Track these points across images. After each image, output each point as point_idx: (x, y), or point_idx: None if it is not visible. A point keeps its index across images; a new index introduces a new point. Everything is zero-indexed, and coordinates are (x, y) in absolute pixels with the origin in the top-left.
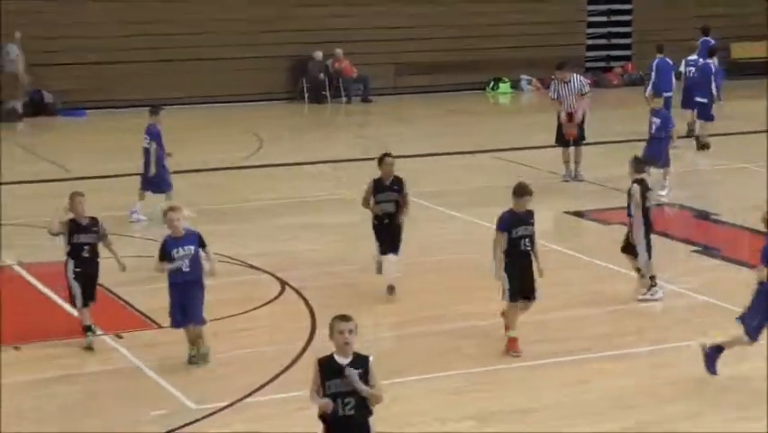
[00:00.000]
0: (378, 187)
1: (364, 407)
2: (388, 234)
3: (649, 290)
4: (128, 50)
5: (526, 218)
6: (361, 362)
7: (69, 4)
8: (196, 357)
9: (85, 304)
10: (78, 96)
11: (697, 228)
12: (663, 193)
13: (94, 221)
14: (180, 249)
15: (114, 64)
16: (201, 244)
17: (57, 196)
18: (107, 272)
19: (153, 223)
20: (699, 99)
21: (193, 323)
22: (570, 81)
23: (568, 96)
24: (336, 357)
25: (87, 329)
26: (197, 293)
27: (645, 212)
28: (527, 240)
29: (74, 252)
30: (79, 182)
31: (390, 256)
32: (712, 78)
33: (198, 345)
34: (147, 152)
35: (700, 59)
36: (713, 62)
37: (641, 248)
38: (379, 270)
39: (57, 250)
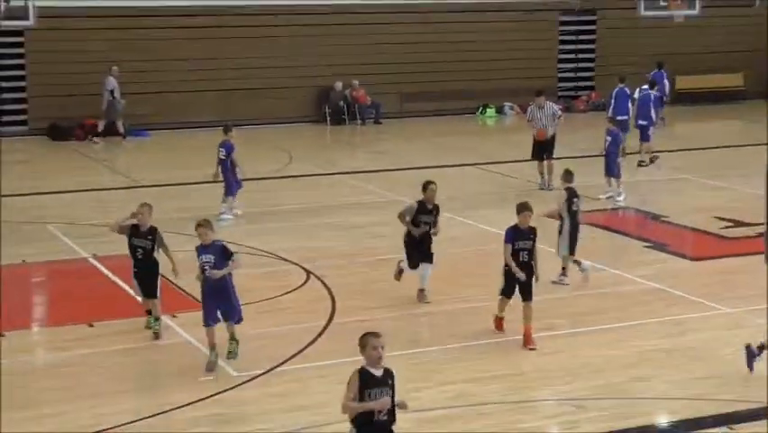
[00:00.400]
0: (420, 209)
1: (393, 414)
2: (421, 250)
3: (561, 275)
4: (186, 81)
5: (527, 234)
6: (390, 374)
7: (139, 47)
8: (232, 353)
9: (144, 296)
10: (144, 119)
11: (649, 228)
12: (620, 199)
13: (152, 230)
14: (203, 256)
15: (176, 93)
16: (225, 253)
17: (123, 201)
18: (167, 262)
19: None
20: (640, 122)
21: (227, 321)
22: (544, 107)
23: (541, 118)
24: (370, 369)
25: (148, 313)
26: (223, 295)
27: (573, 214)
28: (525, 253)
29: (132, 253)
30: (143, 189)
31: (425, 265)
32: (651, 105)
33: (231, 339)
34: (223, 162)
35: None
36: (652, 92)
37: (562, 241)
38: (398, 276)
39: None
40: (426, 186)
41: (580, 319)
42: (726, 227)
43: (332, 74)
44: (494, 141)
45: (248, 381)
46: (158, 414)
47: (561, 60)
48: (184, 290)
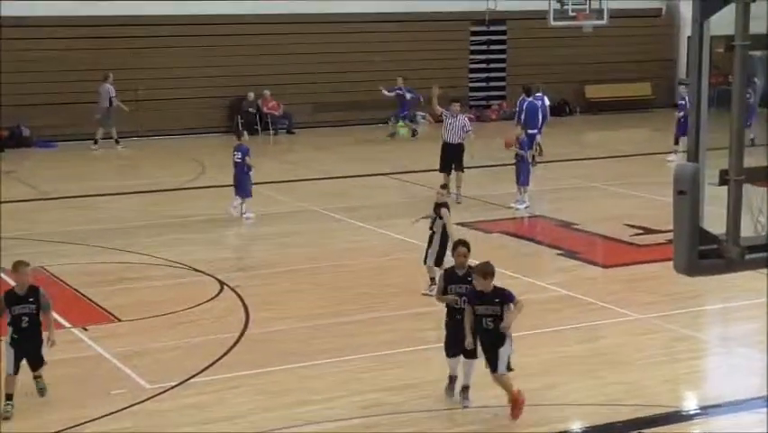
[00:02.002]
0: (450, 277)
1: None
2: (461, 333)
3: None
4: (95, 92)
5: (490, 298)
6: (469, 274)
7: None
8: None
9: (32, 368)
10: (51, 130)
11: (560, 236)
12: (521, 207)
13: (32, 290)
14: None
15: (84, 104)
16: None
17: (31, 211)
18: (76, 274)
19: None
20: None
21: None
22: (457, 117)
23: (452, 127)
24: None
25: (8, 398)
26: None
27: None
28: (489, 319)
29: (13, 323)
30: (51, 201)
31: (468, 362)
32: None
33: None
34: (238, 165)
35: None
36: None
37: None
38: (451, 389)
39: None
40: (455, 247)
41: None
42: (637, 234)
43: (243, 84)
44: (406, 150)
45: (161, 393)
46: (70, 427)
47: (472, 70)
48: (95, 302)
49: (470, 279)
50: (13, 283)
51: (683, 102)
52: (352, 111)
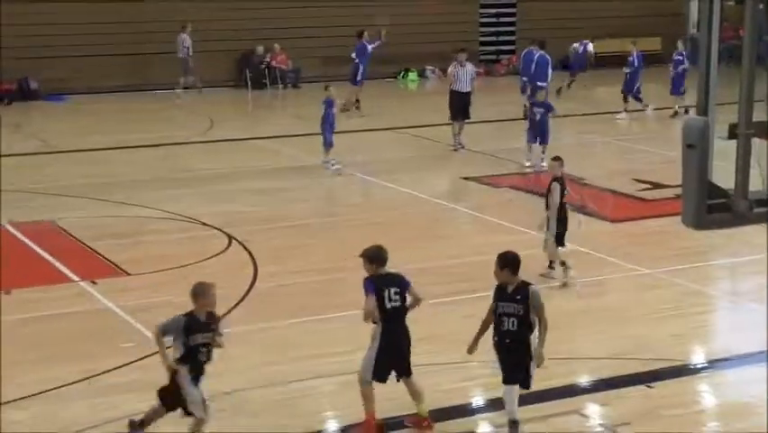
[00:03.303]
0: (500, 294)
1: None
2: (508, 359)
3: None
4: (104, 44)
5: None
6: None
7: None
8: None
9: None
10: (60, 83)
11: (572, 189)
12: (544, 165)
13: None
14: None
15: (92, 57)
16: None
17: (39, 166)
18: (85, 228)
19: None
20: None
21: None
22: (465, 66)
23: (462, 77)
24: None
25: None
26: None
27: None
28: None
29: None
30: (59, 155)
31: (508, 388)
32: (532, 65)
33: None
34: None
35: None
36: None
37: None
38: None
39: (40, 211)
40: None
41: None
42: (645, 189)
43: (252, 38)
44: (416, 104)
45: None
46: (80, 381)
47: (482, 24)
48: (104, 256)
49: (519, 297)
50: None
51: (680, 57)
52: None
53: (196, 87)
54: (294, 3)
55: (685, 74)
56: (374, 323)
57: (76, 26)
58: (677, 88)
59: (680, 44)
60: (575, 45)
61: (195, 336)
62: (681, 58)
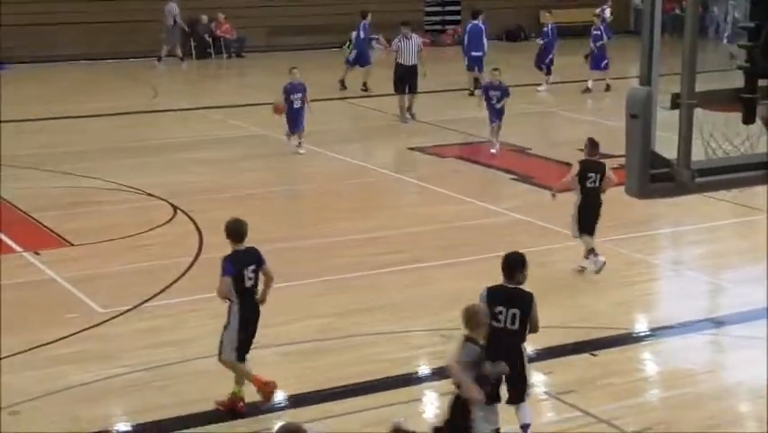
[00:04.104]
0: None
1: None
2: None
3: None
4: (50, 13)
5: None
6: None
7: None
8: None
9: None
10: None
11: (514, 160)
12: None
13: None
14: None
15: (37, 25)
16: None
17: None
18: (29, 199)
19: None
20: (473, 53)
21: None
22: (411, 39)
23: (408, 49)
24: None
25: None
26: None
27: (587, 191)
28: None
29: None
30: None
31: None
32: (482, 36)
33: None
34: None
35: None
36: (478, 23)
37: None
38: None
39: None
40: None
41: (448, 252)
42: None
43: (196, 7)
44: (360, 74)
45: (115, 317)
46: (24, 351)
47: None
48: (47, 227)
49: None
50: None
51: (598, 32)
52: (307, 35)
53: (177, 56)
54: None
55: (604, 49)
56: (229, 301)
57: None
58: (597, 63)
59: (596, 20)
60: (598, 11)
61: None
62: (598, 33)
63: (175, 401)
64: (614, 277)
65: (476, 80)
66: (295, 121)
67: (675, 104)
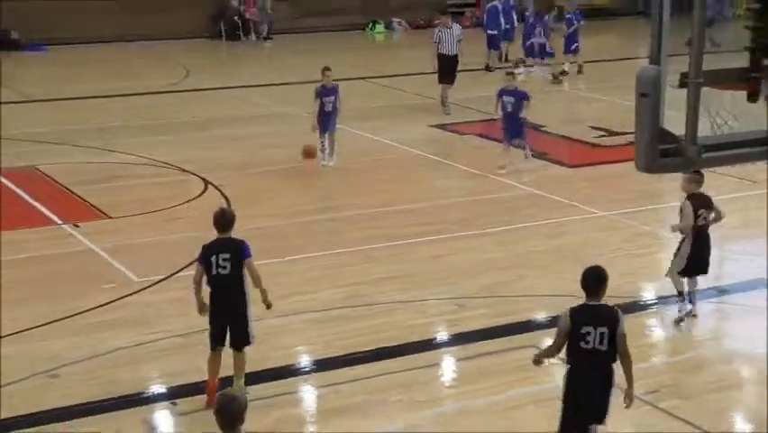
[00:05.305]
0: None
1: None
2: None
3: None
4: None
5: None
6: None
7: None
8: None
9: None
10: (42, 33)
11: (529, 137)
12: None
13: None
14: None
15: (73, 7)
16: None
17: (18, 113)
18: (67, 174)
19: None
20: (489, 32)
21: None
22: (451, 28)
23: (449, 39)
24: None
25: None
26: None
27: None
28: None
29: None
30: (40, 103)
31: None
32: (500, 16)
33: None
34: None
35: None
36: (496, 3)
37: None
38: None
39: (22, 157)
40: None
41: (466, 224)
42: (601, 136)
43: None
44: (384, 55)
45: (150, 285)
46: (64, 318)
47: None
48: (85, 200)
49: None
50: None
51: (570, 17)
52: (331, 17)
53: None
54: None
55: (576, 33)
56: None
57: None
58: (568, 48)
59: (566, 5)
60: None
61: None
62: (571, 17)
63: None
64: (622, 248)
65: (487, 65)
66: (325, 123)
67: (683, 83)
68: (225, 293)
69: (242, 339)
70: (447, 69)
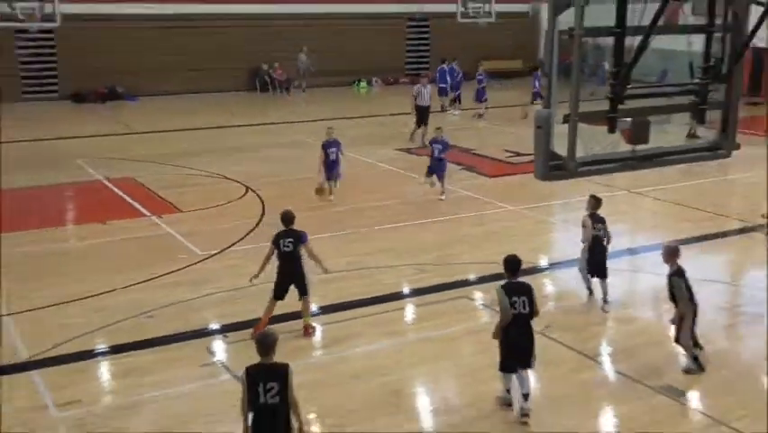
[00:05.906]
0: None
1: None
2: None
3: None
4: (161, 56)
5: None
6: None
7: (133, 36)
8: None
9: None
10: (136, 89)
11: (462, 157)
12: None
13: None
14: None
15: (157, 70)
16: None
17: (124, 142)
18: (153, 181)
19: None
20: (440, 85)
21: None
22: (427, 87)
23: (425, 94)
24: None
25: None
26: None
27: (593, 238)
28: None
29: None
30: (139, 135)
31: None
32: (446, 75)
33: None
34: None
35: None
36: (444, 66)
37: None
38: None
39: (124, 170)
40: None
41: (422, 215)
42: (511, 156)
43: (260, 60)
44: (366, 103)
45: (209, 257)
46: (148, 280)
47: (408, 50)
48: (166, 199)
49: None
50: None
51: (481, 77)
52: (330, 77)
53: (301, 88)
54: (287, 34)
55: (484, 88)
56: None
57: (148, 48)
58: (479, 98)
59: (480, 68)
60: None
61: None
62: (481, 77)
63: (249, 309)
64: (527, 231)
65: (442, 106)
66: (331, 170)
67: (566, 119)
68: (290, 263)
69: (302, 290)
70: (422, 116)
